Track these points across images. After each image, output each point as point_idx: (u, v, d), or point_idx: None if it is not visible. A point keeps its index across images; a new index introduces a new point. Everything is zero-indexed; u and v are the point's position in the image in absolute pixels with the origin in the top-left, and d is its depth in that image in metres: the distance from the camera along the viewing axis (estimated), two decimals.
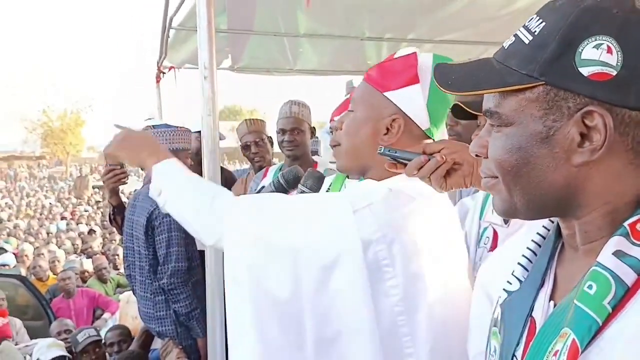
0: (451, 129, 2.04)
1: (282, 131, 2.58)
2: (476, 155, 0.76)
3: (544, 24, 0.64)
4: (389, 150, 1.14)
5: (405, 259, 1.07)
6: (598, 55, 0.61)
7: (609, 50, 0.61)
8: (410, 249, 1.08)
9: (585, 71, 0.61)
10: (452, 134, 2.03)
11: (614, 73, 0.61)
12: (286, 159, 2.68)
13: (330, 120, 1.97)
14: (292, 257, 1.06)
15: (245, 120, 3.17)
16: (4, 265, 6.73)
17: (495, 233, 1.54)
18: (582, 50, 0.62)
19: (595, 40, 0.61)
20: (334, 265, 1.05)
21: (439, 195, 1.15)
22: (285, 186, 1.46)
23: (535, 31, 0.65)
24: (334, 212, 1.11)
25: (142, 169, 1.61)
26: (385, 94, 1.18)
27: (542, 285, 0.72)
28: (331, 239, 1.08)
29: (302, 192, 1.38)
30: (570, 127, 0.63)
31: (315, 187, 1.40)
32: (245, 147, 3.06)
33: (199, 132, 2.83)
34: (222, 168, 3.40)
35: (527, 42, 0.66)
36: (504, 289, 0.77)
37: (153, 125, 2.71)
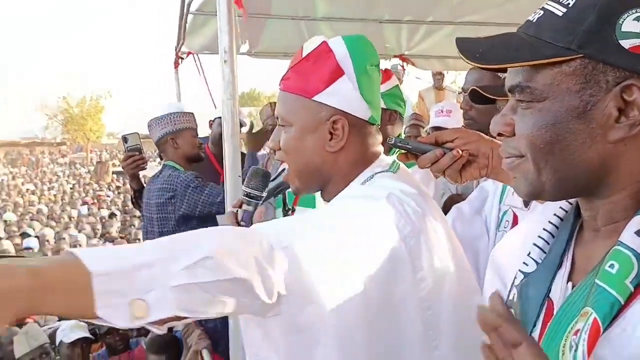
0: (465, 113, 2.01)
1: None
2: (498, 135, 0.72)
3: None
4: (400, 142, 1.07)
5: (428, 252, 1.03)
6: (638, 28, 0.60)
7: None
8: (432, 242, 1.04)
9: (626, 44, 0.60)
10: (466, 119, 2.01)
11: None
12: None
13: None
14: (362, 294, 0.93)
15: (270, 103, 3.22)
16: (28, 249, 6.90)
17: (515, 216, 1.52)
18: (622, 22, 0.60)
19: (636, 12, 0.60)
20: (394, 281, 0.99)
21: (425, 191, 1.12)
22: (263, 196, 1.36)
23: (569, 3, 0.63)
24: (380, 234, 1.00)
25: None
26: (314, 98, 1.06)
27: (559, 266, 0.71)
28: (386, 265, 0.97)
29: (248, 195, 1.29)
30: (608, 101, 0.62)
31: (262, 186, 1.31)
32: (269, 131, 3.08)
33: (219, 117, 2.88)
34: (243, 153, 3.45)
35: (560, 14, 0.64)
36: (519, 270, 0.76)
37: (155, 117, 2.77)
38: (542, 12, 0.67)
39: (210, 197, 2.52)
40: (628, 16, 0.60)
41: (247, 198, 1.29)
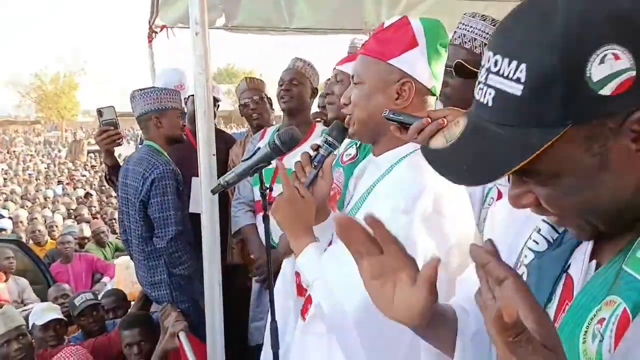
0: (440, 92, 1.99)
1: (281, 81, 2.56)
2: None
3: (525, 64, 0.56)
4: (393, 114, 1.20)
5: None
6: (609, 69, 0.54)
7: (616, 57, 0.53)
8: None
9: (607, 91, 0.54)
10: (441, 96, 1.98)
11: (634, 73, 0.53)
12: (284, 117, 2.63)
13: (333, 70, 1.95)
14: None
15: (245, 78, 3.18)
16: (1, 230, 6.74)
17: (499, 193, 1.52)
18: (590, 74, 0.54)
19: (597, 55, 0.54)
20: None
21: None
22: (280, 147, 1.41)
23: (520, 77, 0.56)
24: None
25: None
26: (389, 61, 1.25)
27: (578, 243, 0.68)
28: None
29: (327, 141, 1.35)
30: (621, 140, 0.57)
31: (340, 139, 1.39)
32: (244, 106, 3.05)
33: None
34: (221, 131, 3.37)
35: (519, 93, 0.57)
36: (528, 248, 0.73)
37: (140, 89, 2.65)
38: (492, 91, 0.60)
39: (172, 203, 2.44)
40: (591, 65, 0.54)
41: (326, 144, 1.36)
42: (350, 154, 1.81)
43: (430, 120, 1.11)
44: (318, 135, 2.39)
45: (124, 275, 4.36)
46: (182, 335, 2.23)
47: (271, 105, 3.10)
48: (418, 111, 1.20)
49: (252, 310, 2.66)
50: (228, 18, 3.93)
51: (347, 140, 1.64)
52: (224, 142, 2.90)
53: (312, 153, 1.37)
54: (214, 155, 1.80)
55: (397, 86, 1.25)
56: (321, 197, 1.34)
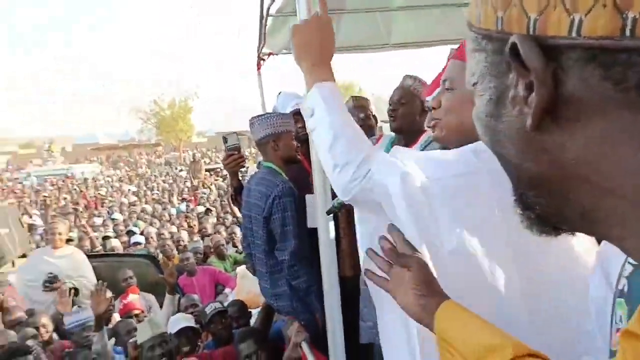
0: None
1: (390, 100, 2.61)
2: None
3: None
4: None
5: None
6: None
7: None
8: None
9: None
10: None
11: None
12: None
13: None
14: None
15: (351, 96, 3.28)
16: (136, 244, 7.45)
17: None
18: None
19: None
20: None
21: None
22: None
23: None
24: None
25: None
26: None
27: None
28: None
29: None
30: None
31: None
32: None
33: (295, 112, 2.97)
34: None
35: None
36: (628, 262, 0.76)
37: (257, 116, 2.88)
38: None
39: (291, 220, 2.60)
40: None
41: None
42: None
43: None
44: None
45: (240, 284, 4.67)
46: (304, 345, 2.38)
47: (377, 121, 3.20)
48: None
49: (361, 310, 2.76)
50: None
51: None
52: None
53: None
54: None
55: None
56: None
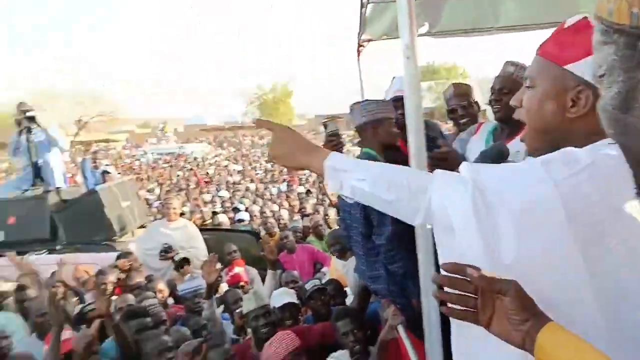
0: None
1: (492, 89, 2.55)
2: None
3: None
4: None
5: None
6: None
7: None
8: None
9: None
10: None
11: None
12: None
13: None
14: None
15: (452, 84, 3.23)
16: (240, 221, 7.90)
17: None
18: None
19: None
20: None
21: None
22: None
23: None
24: None
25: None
26: (566, 67, 1.14)
27: None
28: None
29: None
30: None
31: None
32: (452, 111, 3.12)
33: (395, 99, 3.00)
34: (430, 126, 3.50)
35: None
36: None
37: (357, 102, 2.95)
38: None
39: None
40: None
41: None
42: None
43: None
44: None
45: (334, 264, 4.81)
46: (400, 329, 2.44)
47: (479, 108, 3.15)
48: (592, 124, 1.04)
49: None
50: (432, 25, 4.06)
51: None
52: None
53: None
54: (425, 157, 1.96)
55: (573, 94, 1.14)
56: None
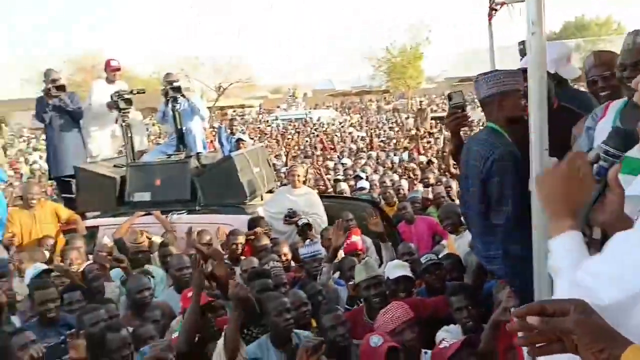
0: None
1: (621, 66, 2.27)
2: None
3: None
4: None
5: None
6: None
7: None
8: None
9: None
10: None
11: None
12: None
13: None
14: None
15: (593, 52, 2.93)
16: (361, 189, 8.00)
17: None
18: None
19: None
20: None
21: None
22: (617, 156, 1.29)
23: None
24: None
25: None
26: None
27: None
28: None
29: (605, 151, 1.25)
30: None
31: (622, 147, 1.25)
32: (592, 82, 2.82)
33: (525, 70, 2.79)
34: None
35: None
36: None
37: (483, 73, 2.80)
38: None
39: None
40: None
41: (604, 155, 1.28)
42: None
43: None
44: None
45: (451, 238, 4.70)
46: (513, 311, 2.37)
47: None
48: None
49: None
50: None
51: None
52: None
53: (594, 167, 1.24)
54: (545, 150, 1.86)
55: None
56: (612, 213, 1.23)
